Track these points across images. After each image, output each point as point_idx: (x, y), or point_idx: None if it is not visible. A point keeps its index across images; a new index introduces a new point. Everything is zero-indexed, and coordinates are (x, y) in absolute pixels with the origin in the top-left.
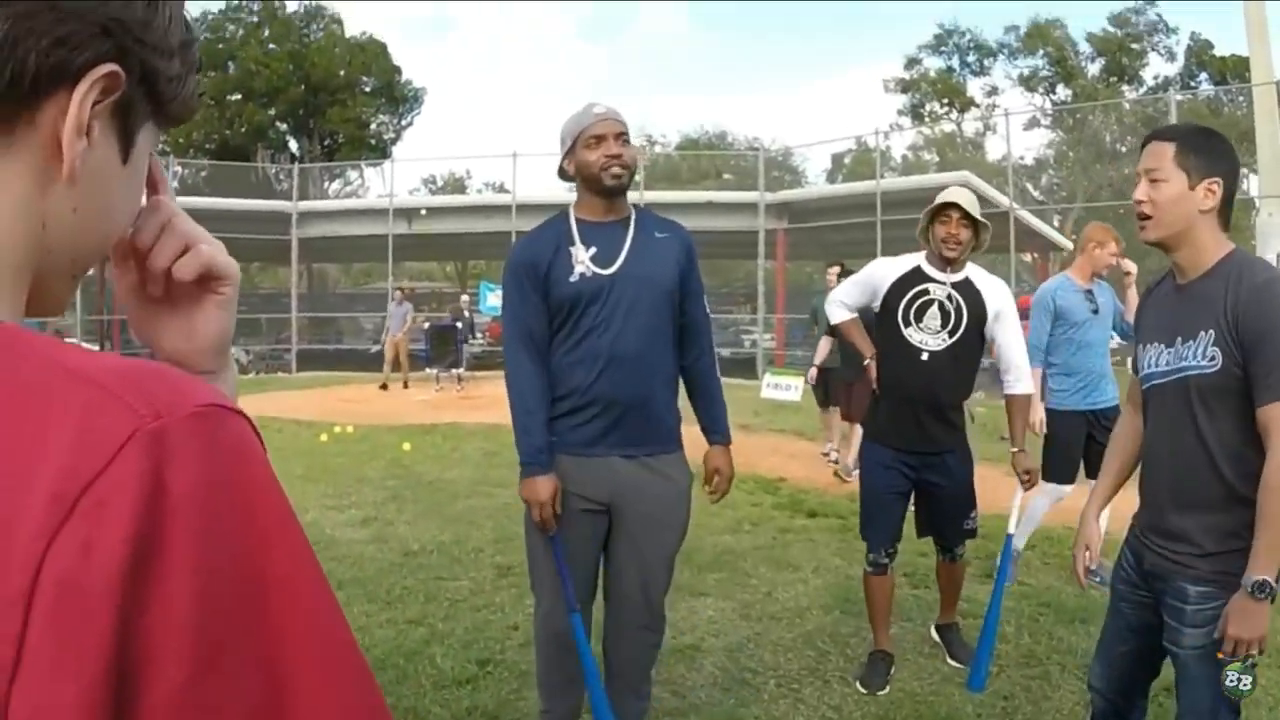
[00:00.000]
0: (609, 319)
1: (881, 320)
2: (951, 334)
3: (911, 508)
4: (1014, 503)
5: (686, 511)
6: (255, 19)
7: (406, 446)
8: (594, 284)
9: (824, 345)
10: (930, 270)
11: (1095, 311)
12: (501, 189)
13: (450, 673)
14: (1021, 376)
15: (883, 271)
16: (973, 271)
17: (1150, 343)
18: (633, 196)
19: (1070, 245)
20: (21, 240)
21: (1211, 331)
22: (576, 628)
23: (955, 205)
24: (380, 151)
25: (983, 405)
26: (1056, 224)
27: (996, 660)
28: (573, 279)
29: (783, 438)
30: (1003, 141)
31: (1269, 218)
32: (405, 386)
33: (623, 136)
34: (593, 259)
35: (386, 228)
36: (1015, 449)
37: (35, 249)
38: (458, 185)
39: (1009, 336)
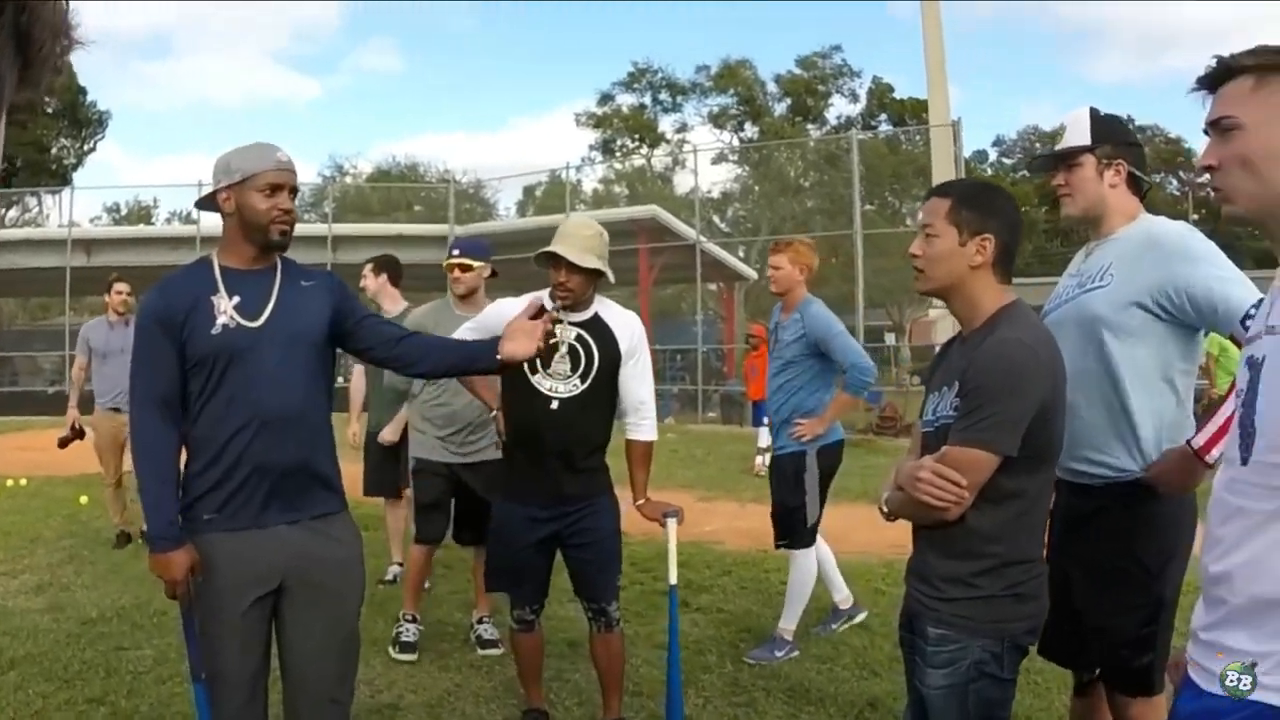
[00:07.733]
0: (258, 375)
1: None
2: (583, 379)
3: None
4: (669, 547)
5: (362, 574)
6: None
7: (84, 500)
8: (239, 336)
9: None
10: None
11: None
12: (189, 219)
13: None
14: (645, 418)
15: (505, 311)
16: (603, 307)
17: (930, 391)
18: (320, 229)
19: (754, 275)
20: None
21: (957, 383)
22: (199, 696)
23: (556, 255)
24: (61, 178)
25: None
26: (741, 254)
27: (701, 692)
28: (214, 331)
29: None
30: (691, 176)
31: None
32: None
33: (295, 193)
34: (237, 309)
35: (64, 259)
36: (639, 501)
37: None
38: (143, 215)
39: (638, 376)
